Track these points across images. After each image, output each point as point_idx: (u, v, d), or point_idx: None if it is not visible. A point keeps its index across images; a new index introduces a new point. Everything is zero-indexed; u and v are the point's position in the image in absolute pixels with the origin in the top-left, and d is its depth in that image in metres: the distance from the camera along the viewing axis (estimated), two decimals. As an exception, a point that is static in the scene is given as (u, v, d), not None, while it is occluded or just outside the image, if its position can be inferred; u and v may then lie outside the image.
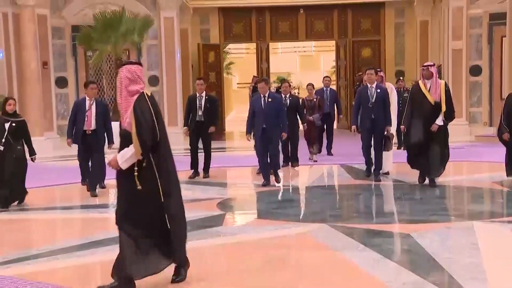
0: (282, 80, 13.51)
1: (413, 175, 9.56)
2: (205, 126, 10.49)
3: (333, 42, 23.17)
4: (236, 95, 33.23)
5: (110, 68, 17.50)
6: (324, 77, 14.42)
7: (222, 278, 5.17)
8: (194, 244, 6.30)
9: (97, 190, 9.09)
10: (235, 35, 21.84)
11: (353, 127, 10.06)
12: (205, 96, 10.54)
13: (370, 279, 4.95)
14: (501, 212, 8.02)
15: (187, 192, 9.73)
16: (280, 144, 10.27)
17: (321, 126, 12.82)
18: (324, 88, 13.73)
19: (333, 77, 23.04)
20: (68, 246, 6.22)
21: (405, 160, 9.37)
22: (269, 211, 8.27)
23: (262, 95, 9.65)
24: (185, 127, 10.67)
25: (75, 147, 9.47)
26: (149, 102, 4.58)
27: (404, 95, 12.79)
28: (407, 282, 4.79)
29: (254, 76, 15.77)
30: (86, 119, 9.09)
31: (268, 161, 9.71)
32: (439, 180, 9.24)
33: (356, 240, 6.13)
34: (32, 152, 8.44)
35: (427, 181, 9.16)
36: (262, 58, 22.10)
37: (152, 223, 4.64)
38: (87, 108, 9.11)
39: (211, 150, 10.83)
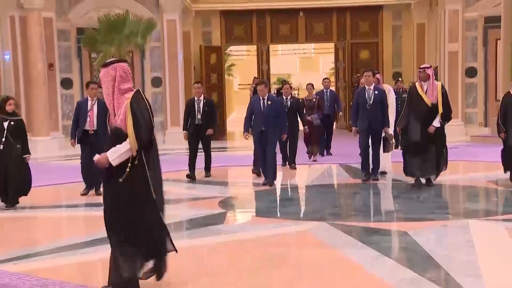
0: (283, 82, 13.44)
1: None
2: (204, 128, 10.44)
3: (332, 44, 23.13)
4: (237, 96, 33.23)
5: (114, 70, 17.47)
6: (323, 79, 14.30)
7: (223, 275, 5.16)
8: (195, 242, 6.30)
9: (101, 189, 9.05)
10: (236, 37, 21.82)
11: (354, 128, 9.94)
12: (203, 100, 10.50)
13: (368, 276, 4.94)
14: (496, 210, 8.02)
15: (189, 190, 9.78)
16: (278, 144, 10.16)
17: (320, 126, 12.60)
18: (324, 90, 13.63)
19: (332, 79, 23.03)
20: (72, 243, 6.22)
21: (402, 159, 9.33)
22: (269, 210, 8.27)
23: (261, 98, 9.57)
24: (185, 131, 10.58)
25: (79, 147, 9.44)
26: (146, 100, 4.52)
27: (403, 95, 12.74)
28: (404, 278, 4.79)
29: (255, 77, 15.71)
30: (88, 119, 9.06)
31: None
32: (436, 179, 9.19)
33: (354, 238, 6.13)
34: (26, 152, 8.32)
35: (423, 180, 9.13)
36: (263, 59, 22.08)
37: (142, 221, 4.47)
38: (89, 108, 9.08)
39: (211, 151, 10.77)
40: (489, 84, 17.63)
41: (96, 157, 4.45)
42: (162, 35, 17.68)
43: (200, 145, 10.59)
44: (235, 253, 5.96)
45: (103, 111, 9.16)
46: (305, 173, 11.48)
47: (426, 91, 8.84)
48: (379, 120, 9.48)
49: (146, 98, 4.54)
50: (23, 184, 8.23)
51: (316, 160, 12.38)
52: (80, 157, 9.33)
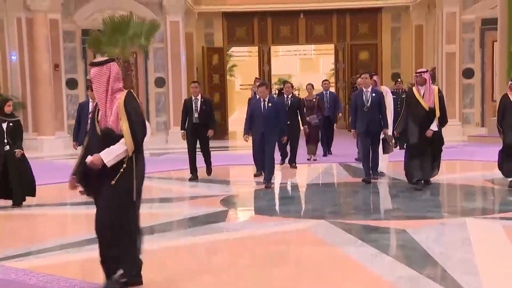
0: (284, 82, 13.40)
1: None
2: (202, 127, 10.25)
3: (332, 46, 23.13)
4: (239, 96, 33.23)
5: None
6: (323, 81, 14.16)
7: (225, 272, 5.16)
8: (197, 240, 6.30)
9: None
10: (238, 38, 21.82)
11: (353, 131, 9.86)
12: (201, 99, 10.36)
13: (367, 273, 4.94)
14: (492, 209, 8.00)
15: (191, 189, 9.78)
16: (277, 144, 10.03)
17: (318, 126, 12.39)
18: (324, 92, 13.53)
19: (332, 80, 23.03)
20: (77, 240, 6.21)
21: (401, 158, 9.27)
22: (270, 208, 8.27)
23: (262, 99, 9.43)
24: (182, 131, 10.44)
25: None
26: (138, 101, 4.45)
27: (403, 96, 12.69)
28: (402, 276, 4.79)
29: (256, 78, 15.72)
30: (89, 120, 9.00)
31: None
32: (434, 178, 9.18)
33: (354, 236, 6.12)
34: (19, 148, 8.15)
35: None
36: (264, 60, 22.10)
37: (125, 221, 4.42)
38: (90, 110, 9.05)
39: (210, 150, 10.56)
40: (486, 85, 17.63)
41: (89, 158, 4.35)
42: (165, 36, 17.68)
43: (198, 144, 10.45)
44: (236, 250, 5.96)
45: None
46: (305, 172, 11.47)
47: (423, 95, 8.74)
48: (377, 122, 9.34)
49: (137, 100, 4.47)
50: (27, 185, 8.17)
51: (316, 159, 12.33)
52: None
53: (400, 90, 13.80)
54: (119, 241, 4.39)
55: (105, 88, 4.38)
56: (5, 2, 15.97)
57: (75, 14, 17.34)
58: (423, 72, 8.97)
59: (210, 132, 10.35)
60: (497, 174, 9.34)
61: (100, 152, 4.32)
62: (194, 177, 10.30)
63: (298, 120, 11.46)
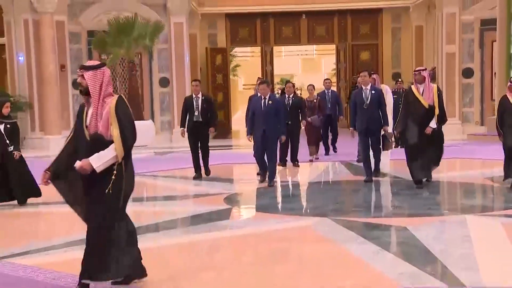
0: (287, 82, 13.34)
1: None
2: (203, 126, 10.15)
3: (333, 46, 23.12)
4: (242, 96, 33.17)
5: (123, 71, 17.53)
6: (324, 80, 14.13)
7: (228, 269, 5.17)
8: (201, 237, 6.31)
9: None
10: (241, 39, 21.83)
11: (351, 129, 9.84)
12: (202, 97, 10.22)
13: (369, 270, 4.94)
14: (492, 206, 8.01)
15: (195, 187, 9.78)
16: (279, 145, 9.93)
17: (320, 127, 12.31)
18: (326, 90, 13.48)
19: (334, 79, 23.01)
20: (84, 238, 6.20)
21: (402, 157, 9.21)
22: (273, 206, 8.26)
23: (262, 97, 9.33)
24: (182, 128, 10.35)
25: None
26: (128, 106, 4.36)
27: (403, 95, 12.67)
28: (403, 272, 4.78)
29: (258, 77, 15.67)
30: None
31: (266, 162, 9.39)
32: (434, 176, 9.15)
33: (355, 233, 6.12)
34: (17, 149, 8.09)
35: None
36: (267, 61, 22.10)
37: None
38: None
39: (210, 150, 10.49)
40: (485, 84, 17.59)
41: (78, 163, 4.25)
42: (169, 37, 17.69)
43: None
44: (239, 248, 5.96)
45: None
46: (307, 170, 11.45)
47: (422, 93, 8.64)
48: (377, 120, 9.25)
49: (128, 105, 4.38)
50: (28, 186, 8.08)
51: (318, 158, 12.28)
52: None
53: (401, 90, 13.75)
54: (109, 247, 4.31)
55: (99, 92, 4.30)
56: (13, 5, 16.00)
57: (81, 15, 17.35)
58: (422, 70, 8.86)
59: (211, 130, 10.32)
60: (497, 172, 9.33)
61: (88, 157, 4.23)
62: (198, 175, 10.28)
63: (299, 119, 11.36)
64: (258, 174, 10.00)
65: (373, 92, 9.31)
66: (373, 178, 9.41)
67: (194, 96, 10.26)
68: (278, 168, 10.17)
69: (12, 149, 7.98)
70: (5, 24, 16.28)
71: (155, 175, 11.07)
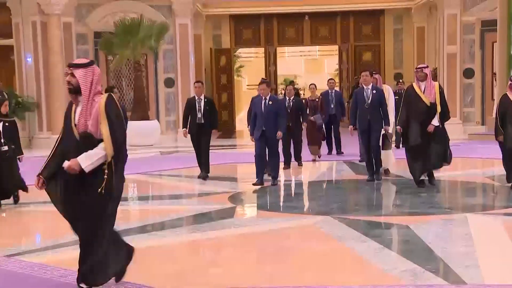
0: (291, 82, 13.31)
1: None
2: (205, 127, 10.08)
3: (336, 47, 23.11)
4: (245, 96, 33.13)
5: (129, 71, 17.56)
6: (328, 80, 14.06)
7: (234, 267, 5.17)
8: (206, 235, 6.31)
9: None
10: (245, 40, 21.82)
11: (350, 127, 9.80)
12: (204, 99, 10.12)
13: (371, 268, 4.94)
14: (493, 205, 8.00)
15: (200, 186, 9.78)
16: (281, 145, 9.87)
17: (322, 126, 12.16)
18: (329, 90, 13.42)
19: (336, 80, 22.97)
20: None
21: (404, 156, 9.12)
22: (277, 204, 8.27)
23: (263, 97, 9.23)
24: (184, 129, 10.26)
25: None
26: (118, 105, 4.25)
27: (405, 96, 12.59)
28: (406, 270, 4.78)
29: (262, 78, 15.67)
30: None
31: (267, 161, 9.34)
32: (436, 174, 9.07)
33: (358, 231, 6.11)
34: (20, 152, 8.12)
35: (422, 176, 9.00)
36: (270, 61, 22.08)
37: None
38: None
39: (210, 150, 10.36)
40: (486, 84, 17.55)
41: (66, 163, 4.10)
42: (174, 38, 17.69)
43: None
44: (245, 245, 5.97)
45: None
46: (310, 169, 11.44)
47: (424, 91, 8.49)
48: (378, 119, 9.16)
49: (118, 103, 4.27)
50: (17, 180, 8.01)
51: (320, 156, 12.20)
52: None
53: (402, 91, 13.68)
54: (99, 247, 4.25)
55: (89, 90, 4.19)
56: (21, 6, 16.04)
57: (88, 17, 17.37)
58: (424, 67, 8.69)
59: (213, 131, 10.25)
60: (498, 171, 9.31)
61: (77, 157, 4.10)
62: (203, 174, 10.28)
63: (300, 121, 11.26)
64: (253, 184, 9.41)
65: (374, 92, 9.23)
66: (376, 181, 9.22)
67: (196, 98, 10.14)
68: (281, 169, 10.13)
69: (5, 148, 7.90)
70: (14, 26, 16.31)
71: (161, 174, 11.10)
